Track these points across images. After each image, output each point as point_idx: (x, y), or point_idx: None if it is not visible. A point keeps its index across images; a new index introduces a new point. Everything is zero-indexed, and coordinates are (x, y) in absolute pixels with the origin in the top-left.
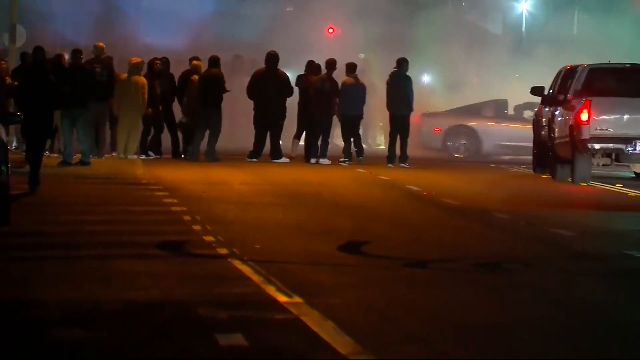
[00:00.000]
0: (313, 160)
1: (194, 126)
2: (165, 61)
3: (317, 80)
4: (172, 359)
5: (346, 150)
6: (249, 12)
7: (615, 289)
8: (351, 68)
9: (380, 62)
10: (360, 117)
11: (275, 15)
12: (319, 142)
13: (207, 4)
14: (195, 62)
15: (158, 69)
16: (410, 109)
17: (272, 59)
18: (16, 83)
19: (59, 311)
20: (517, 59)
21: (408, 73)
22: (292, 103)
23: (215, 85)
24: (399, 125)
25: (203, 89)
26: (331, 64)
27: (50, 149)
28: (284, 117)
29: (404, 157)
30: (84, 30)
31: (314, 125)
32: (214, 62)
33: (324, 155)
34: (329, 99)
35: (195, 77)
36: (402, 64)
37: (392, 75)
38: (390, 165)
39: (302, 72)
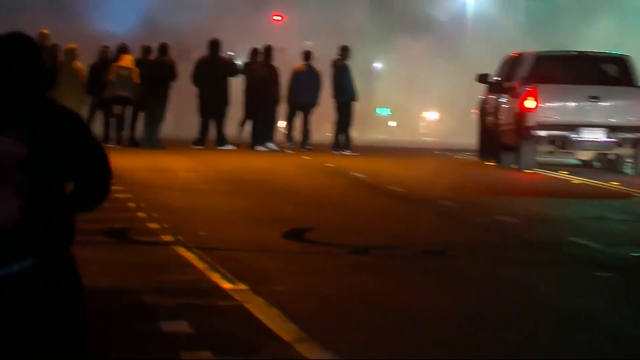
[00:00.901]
0: (259, 147)
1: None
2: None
3: (257, 67)
4: (116, 345)
5: (290, 136)
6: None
7: (558, 275)
8: (306, 55)
9: (325, 50)
10: (312, 105)
11: (221, 2)
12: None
13: None
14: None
15: (106, 57)
16: (352, 97)
17: (215, 45)
18: None
19: None
20: (463, 46)
21: (351, 61)
22: (238, 90)
23: (165, 73)
24: (343, 112)
25: (151, 77)
26: (267, 50)
27: None
28: (227, 103)
29: (347, 144)
30: (32, 17)
31: (258, 111)
32: (164, 49)
33: (270, 140)
34: (268, 85)
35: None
36: (344, 51)
37: (335, 63)
38: (335, 152)
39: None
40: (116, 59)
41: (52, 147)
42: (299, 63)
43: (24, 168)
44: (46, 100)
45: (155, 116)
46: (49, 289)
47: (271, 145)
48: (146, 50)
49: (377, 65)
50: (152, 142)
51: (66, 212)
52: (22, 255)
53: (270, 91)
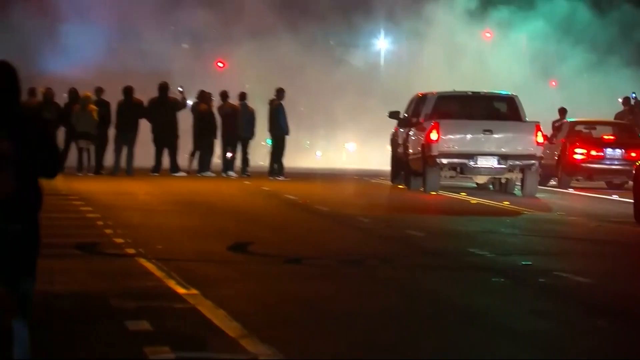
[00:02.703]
0: (206, 174)
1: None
2: (51, 91)
3: (202, 107)
4: (87, 343)
5: (230, 165)
6: (150, 47)
7: (456, 280)
8: (241, 96)
9: (261, 91)
10: (249, 138)
11: (173, 51)
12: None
13: (113, 40)
14: (86, 93)
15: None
16: (285, 132)
17: (163, 88)
18: None
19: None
20: (375, 87)
21: (284, 101)
22: (187, 126)
23: (135, 112)
24: (277, 144)
25: (123, 116)
26: (206, 94)
27: None
28: (177, 135)
29: (280, 171)
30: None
31: (204, 143)
32: (129, 91)
33: (231, 169)
34: (212, 121)
35: (77, 106)
36: (279, 93)
37: (271, 103)
38: (271, 178)
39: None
40: (75, 100)
41: (30, 144)
42: (236, 103)
43: (17, 159)
44: (19, 111)
45: (131, 148)
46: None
47: (232, 173)
48: (127, 91)
49: (302, 108)
50: (129, 170)
51: (38, 188)
52: (13, 218)
53: (213, 127)
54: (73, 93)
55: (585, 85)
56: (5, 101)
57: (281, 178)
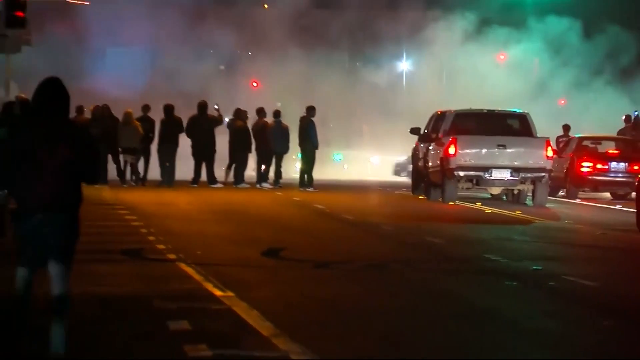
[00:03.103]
0: (241, 185)
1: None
2: (99, 108)
3: (238, 123)
4: (133, 342)
5: (264, 177)
6: (190, 69)
7: (473, 282)
8: (276, 114)
9: (292, 108)
10: (284, 153)
11: (211, 73)
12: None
13: (158, 62)
14: (128, 110)
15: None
16: (316, 146)
17: (202, 106)
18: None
19: (43, 303)
20: (398, 105)
21: (314, 118)
22: (224, 141)
23: (176, 128)
24: (308, 158)
25: (165, 132)
26: (259, 110)
27: None
28: (214, 150)
29: (310, 183)
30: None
31: (240, 157)
32: (170, 109)
33: (264, 180)
34: (247, 137)
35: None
36: (309, 110)
37: (302, 120)
38: (301, 189)
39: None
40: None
41: (78, 154)
42: (271, 120)
43: (71, 164)
44: (71, 124)
45: (172, 162)
46: (68, 222)
47: (265, 185)
48: (168, 109)
49: (331, 124)
50: (170, 182)
51: (80, 189)
52: (60, 209)
53: (247, 142)
54: (105, 110)
55: (590, 103)
56: (60, 113)
57: (310, 189)
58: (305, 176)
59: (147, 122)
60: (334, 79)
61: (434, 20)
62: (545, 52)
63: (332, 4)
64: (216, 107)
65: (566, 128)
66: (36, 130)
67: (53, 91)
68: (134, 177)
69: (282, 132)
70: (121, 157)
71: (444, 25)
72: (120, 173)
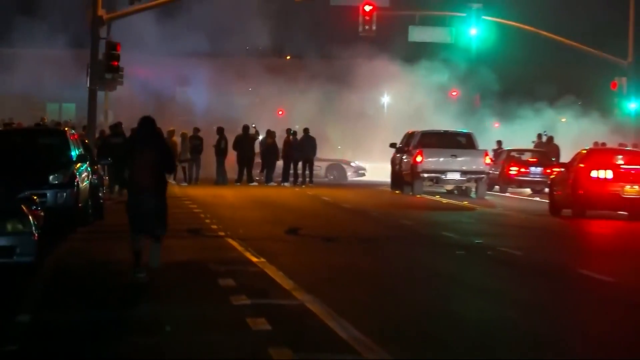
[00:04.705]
0: (270, 184)
1: (192, 165)
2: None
3: (270, 139)
4: (194, 293)
5: (287, 177)
6: (235, 101)
7: (435, 252)
8: (306, 130)
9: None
10: (313, 157)
11: (250, 103)
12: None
13: (215, 96)
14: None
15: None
16: (315, 155)
17: (245, 128)
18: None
19: (127, 265)
20: (381, 126)
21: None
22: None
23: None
24: (310, 163)
25: (219, 146)
26: (289, 130)
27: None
28: (253, 158)
29: (311, 181)
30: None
31: (285, 163)
32: (221, 131)
33: (286, 180)
34: (275, 150)
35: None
36: (308, 130)
37: (305, 135)
38: (303, 186)
39: (263, 135)
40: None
41: (161, 155)
42: (301, 135)
43: (158, 163)
44: (158, 136)
45: (222, 166)
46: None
47: (286, 184)
48: (220, 130)
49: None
50: (223, 181)
51: (165, 179)
52: (156, 195)
53: (275, 153)
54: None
55: (515, 126)
56: (151, 133)
57: (311, 185)
58: (308, 178)
59: (198, 139)
60: (335, 109)
61: (404, 70)
62: (484, 90)
63: (333, 55)
64: (254, 126)
65: (499, 143)
66: (140, 142)
67: (147, 122)
68: (187, 178)
69: (311, 143)
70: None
71: (412, 72)
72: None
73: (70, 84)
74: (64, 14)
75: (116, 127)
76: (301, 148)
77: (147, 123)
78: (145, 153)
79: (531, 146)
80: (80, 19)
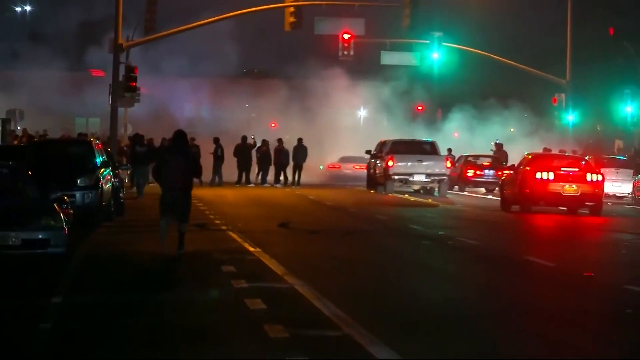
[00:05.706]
0: (265, 185)
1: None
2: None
3: (264, 148)
4: (202, 278)
5: (277, 179)
6: (234, 115)
7: (404, 242)
8: (299, 140)
9: (294, 139)
10: (303, 163)
11: (247, 117)
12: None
13: (216, 112)
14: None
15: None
16: (305, 161)
17: (244, 138)
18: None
19: (148, 256)
20: (358, 136)
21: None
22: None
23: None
24: (300, 168)
25: (217, 154)
26: (280, 140)
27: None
28: (250, 164)
29: (299, 183)
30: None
31: (277, 168)
32: (218, 140)
33: (264, 182)
34: (268, 156)
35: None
36: (301, 140)
37: (298, 144)
38: (293, 187)
39: (259, 144)
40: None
41: (189, 161)
42: (295, 143)
43: (188, 168)
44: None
45: (220, 170)
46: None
47: (278, 185)
48: (216, 140)
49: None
50: (221, 182)
51: (192, 181)
52: (183, 192)
53: (269, 159)
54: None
55: (471, 135)
56: (182, 143)
57: (300, 187)
58: (297, 180)
59: (194, 147)
60: (320, 121)
61: (377, 88)
62: (445, 105)
63: (317, 76)
64: (252, 137)
65: (449, 150)
66: (173, 151)
67: (181, 135)
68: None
69: (302, 151)
70: None
71: (384, 90)
72: None
73: (94, 102)
74: (90, 42)
75: (139, 138)
76: (294, 155)
77: (180, 135)
78: (179, 159)
79: (488, 152)
80: (102, 46)
